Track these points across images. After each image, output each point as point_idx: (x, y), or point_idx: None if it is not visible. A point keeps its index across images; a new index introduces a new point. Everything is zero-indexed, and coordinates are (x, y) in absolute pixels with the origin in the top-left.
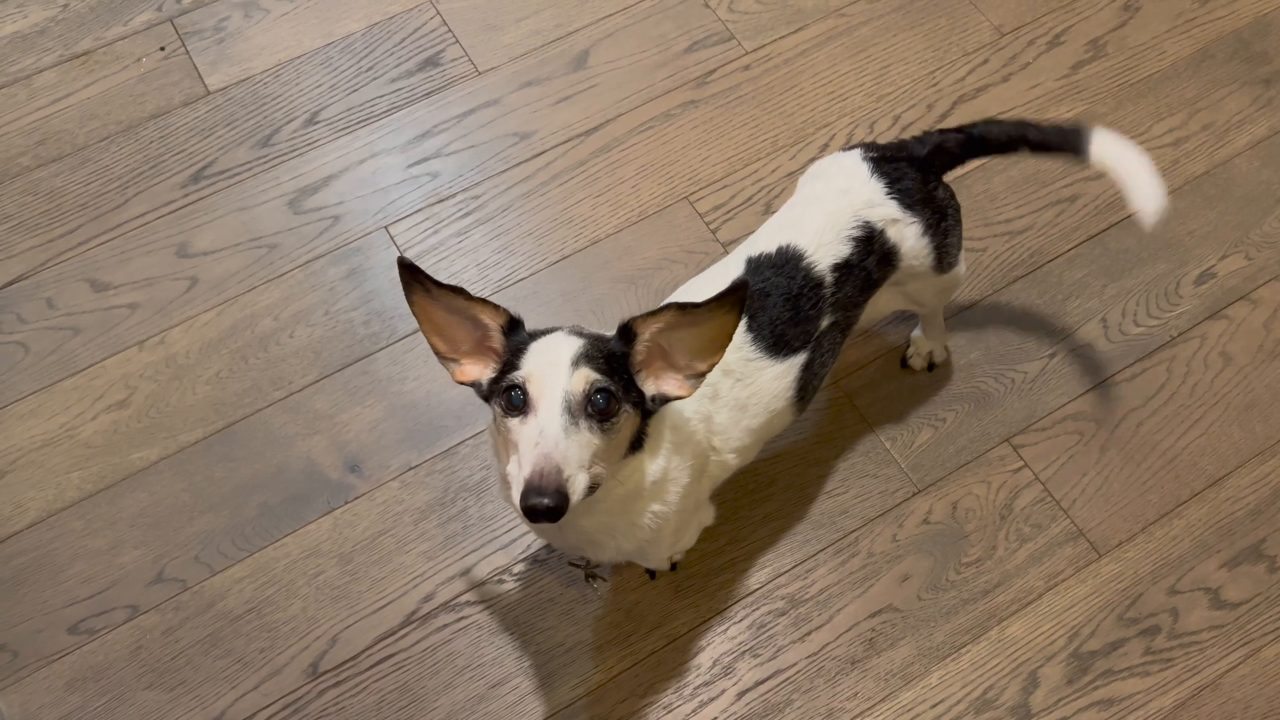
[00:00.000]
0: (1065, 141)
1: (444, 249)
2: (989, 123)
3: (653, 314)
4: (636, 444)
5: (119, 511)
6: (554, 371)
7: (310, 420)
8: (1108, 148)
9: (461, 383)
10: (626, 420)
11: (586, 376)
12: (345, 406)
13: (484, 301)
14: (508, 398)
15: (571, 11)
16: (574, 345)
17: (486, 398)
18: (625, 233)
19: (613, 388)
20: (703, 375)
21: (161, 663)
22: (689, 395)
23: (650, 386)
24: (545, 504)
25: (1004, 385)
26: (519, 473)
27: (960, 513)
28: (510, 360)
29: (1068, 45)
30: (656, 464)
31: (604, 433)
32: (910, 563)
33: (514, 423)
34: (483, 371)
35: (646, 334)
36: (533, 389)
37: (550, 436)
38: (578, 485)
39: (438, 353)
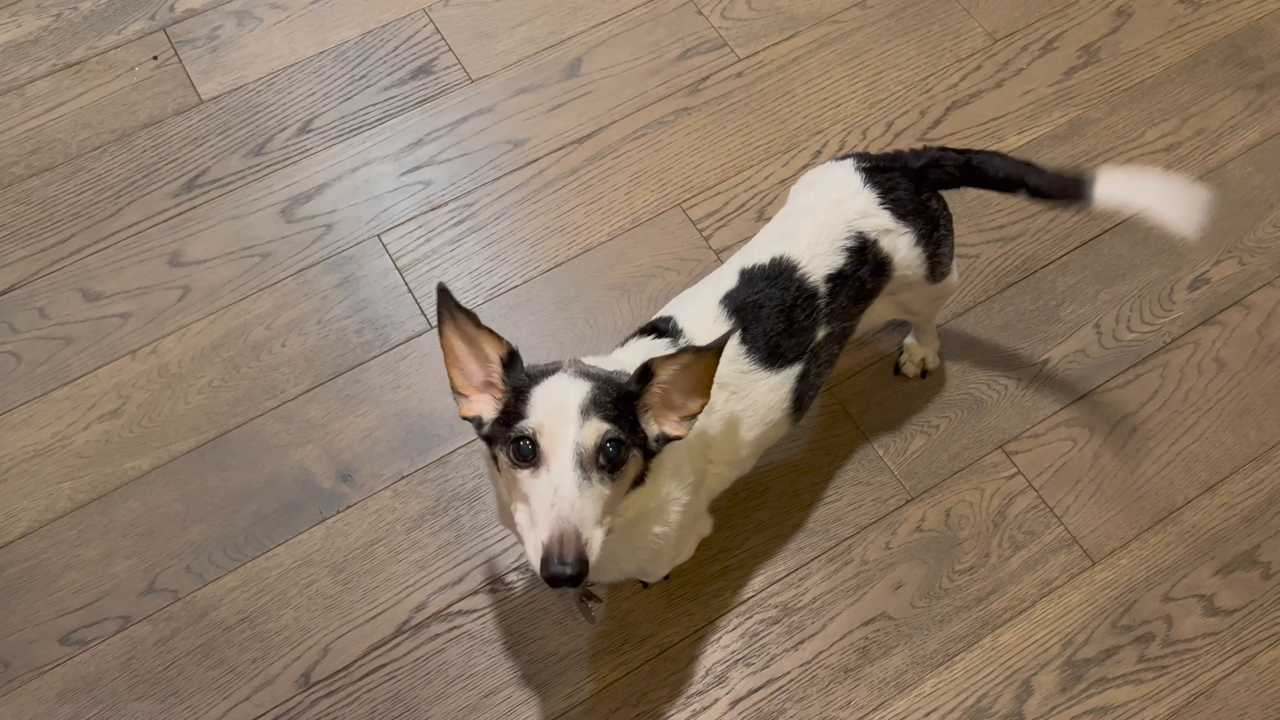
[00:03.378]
0: (1066, 189)
1: (437, 257)
2: (992, 155)
3: (670, 357)
4: (638, 480)
5: (111, 521)
6: (563, 422)
7: (303, 429)
8: (1113, 190)
9: (465, 418)
10: (634, 464)
11: (598, 428)
12: (338, 415)
13: (489, 331)
14: (516, 448)
15: (564, 19)
16: (582, 391)
17: (488, 438)
18: (618, 240)
19: (623, 436)
20: (694, 416)
21: (154, 673)
22: (685, 435)
23: (653, 427)
24: (568, 573)
25: (997, 392)
26: (534, 534)
27: (954, 520)
28: (513, 403)
29: (1060, 51)
30: (657, 493)
31: (614, 482)
32: (903, 570)
33: (523, 475)
34: (484, 408)
35: (664, 375)
36: (543, 441)
37: (566, 497)
38: (595, 545)
39: (454, 387)
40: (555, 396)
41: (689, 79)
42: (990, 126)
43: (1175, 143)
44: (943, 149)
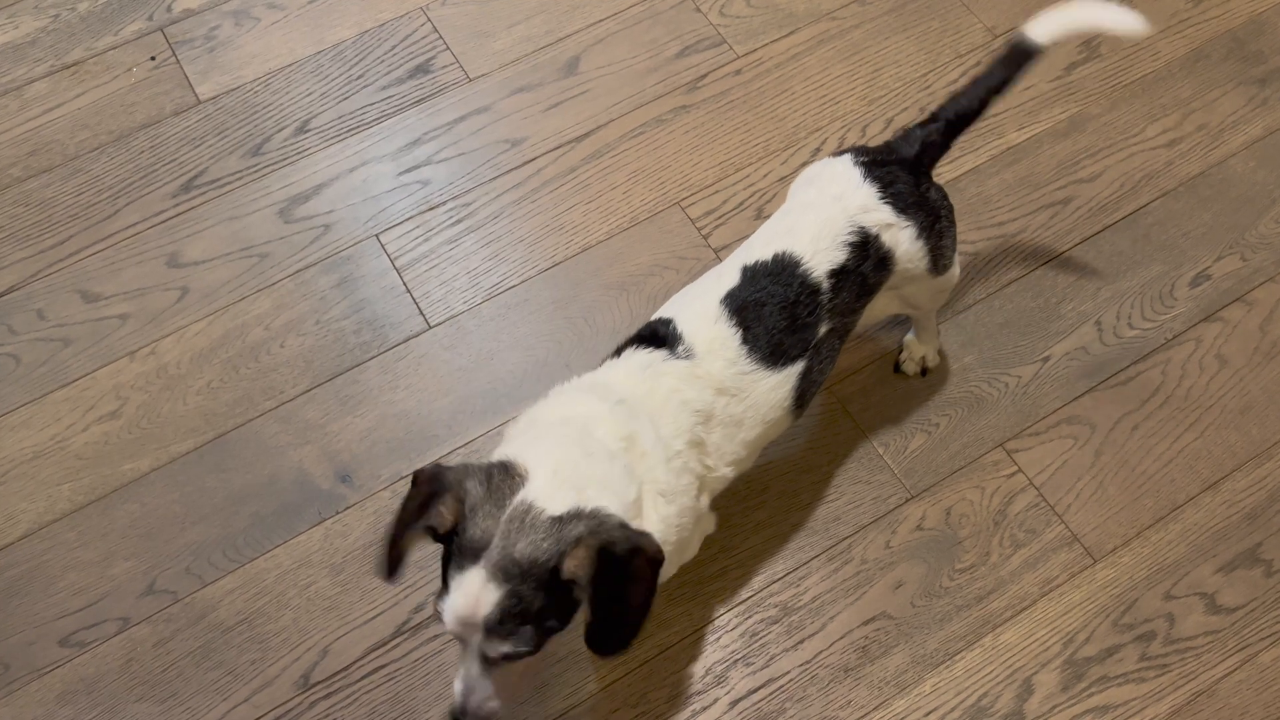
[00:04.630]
0: (1016, 61)
1: (435, 256)
2: (953, 99)
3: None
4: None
5: (110, 523)
6: (470, 629)
7: (301, 430)
8: (1047, 28)
9: None
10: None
11: (499, 648)
12: (336, 416)
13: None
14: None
15: (562, 17)
16: (489, 602)
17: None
18: (616, 239)
19: (531, 645)
20: None
21: (153, 675)
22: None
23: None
24: None
25: (998, 389)
26: (456, 683)
27: (954, 519)
28: (446, 555)
29: (1061, 46)
30: (651, 518)
31: (532, 654)
32: (903, 569)
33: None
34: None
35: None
36: (455, 635)
37: (471, 691)
38: (499, 712)
39: None
40: (467, 599)
41: (687, 77)
42: (990, 123)
43: (1177, 138)
44: (922, 125)
